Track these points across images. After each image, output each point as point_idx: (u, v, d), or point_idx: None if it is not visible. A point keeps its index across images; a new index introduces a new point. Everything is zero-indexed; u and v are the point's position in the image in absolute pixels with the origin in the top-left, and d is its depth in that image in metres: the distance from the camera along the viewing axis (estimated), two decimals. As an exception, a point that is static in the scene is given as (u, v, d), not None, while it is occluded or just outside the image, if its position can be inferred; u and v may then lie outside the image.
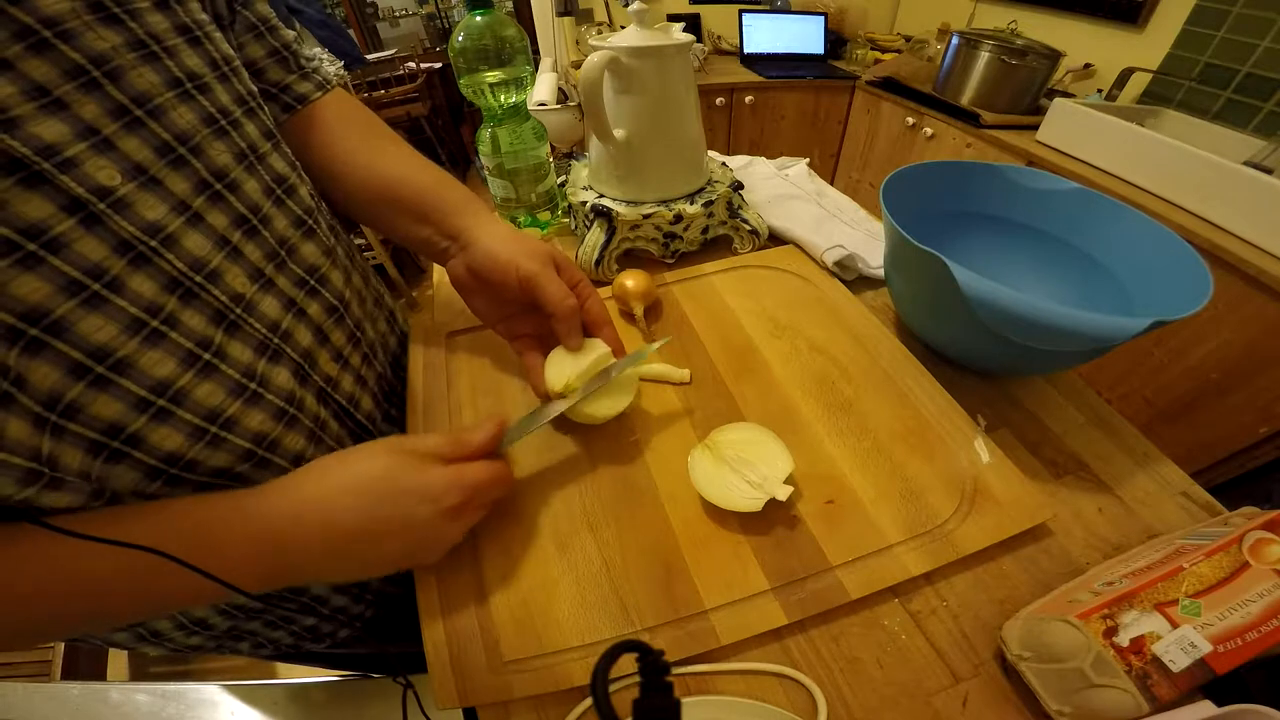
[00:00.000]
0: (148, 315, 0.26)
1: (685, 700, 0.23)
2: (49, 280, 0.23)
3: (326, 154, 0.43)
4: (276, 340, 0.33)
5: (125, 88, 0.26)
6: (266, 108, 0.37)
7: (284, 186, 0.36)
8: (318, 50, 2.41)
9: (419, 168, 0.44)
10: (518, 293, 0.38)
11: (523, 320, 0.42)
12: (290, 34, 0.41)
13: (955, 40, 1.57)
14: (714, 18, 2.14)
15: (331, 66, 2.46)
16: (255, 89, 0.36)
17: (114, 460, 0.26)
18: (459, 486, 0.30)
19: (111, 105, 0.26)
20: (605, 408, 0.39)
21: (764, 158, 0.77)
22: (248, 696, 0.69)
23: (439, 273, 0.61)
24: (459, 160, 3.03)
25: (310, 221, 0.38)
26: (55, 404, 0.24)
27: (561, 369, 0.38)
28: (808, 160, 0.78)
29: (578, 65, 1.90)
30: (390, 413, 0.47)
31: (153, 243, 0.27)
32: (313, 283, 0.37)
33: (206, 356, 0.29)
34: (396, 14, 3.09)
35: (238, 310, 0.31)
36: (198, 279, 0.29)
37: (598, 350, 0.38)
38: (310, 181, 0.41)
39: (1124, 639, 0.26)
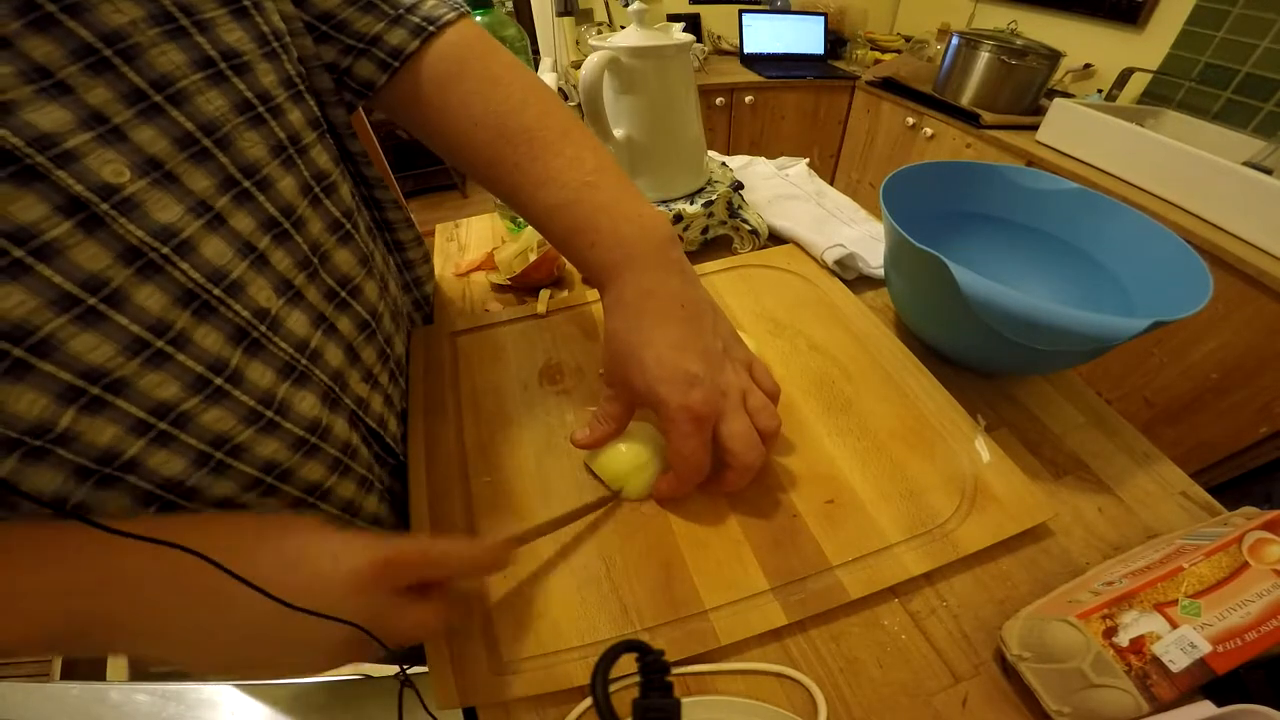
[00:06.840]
0: (152, 334, 0.23)
1: (685, 700, 0.23)
2: (36, 293, 0.20)
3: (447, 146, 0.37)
4: (304, 361, 0.31)
5: (143, 69, 0.23)
6: (361, 67, 0.33)
7: (324, 184, 0.33)
8: None
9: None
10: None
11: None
12: None
13: (955, 40, 1.57)
14: (714, 18, 2.14)
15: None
16: (303, 70, 0.32)
17: (105, 485, 0.23)
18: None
19: (125, 89, 0.22)
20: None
21: (764, 158, 0.77)
22: (248, 696, 0.69)
23: (437, 275, 0.60)
24: (459, 160, 3.02)
25: (348, 225, 0.35)
26: (43, 433, 0.21)
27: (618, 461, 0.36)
28: (808, 160, 0.78)
29: (578, 65, 1.90)
30: None
31: (165, 249, 0.23)
32: (344, 295, 0.34)
33: (219, 381, 0.26)
34: (396, 14, 3.13)
35: (261, 327, 0.28)
36: (216, 291, 0.26)
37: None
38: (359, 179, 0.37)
39: (1124, 639, 0.26)
